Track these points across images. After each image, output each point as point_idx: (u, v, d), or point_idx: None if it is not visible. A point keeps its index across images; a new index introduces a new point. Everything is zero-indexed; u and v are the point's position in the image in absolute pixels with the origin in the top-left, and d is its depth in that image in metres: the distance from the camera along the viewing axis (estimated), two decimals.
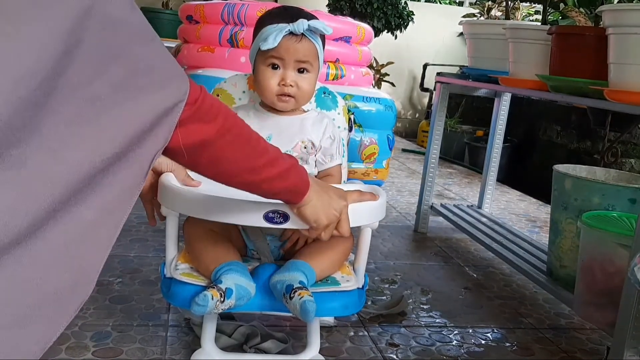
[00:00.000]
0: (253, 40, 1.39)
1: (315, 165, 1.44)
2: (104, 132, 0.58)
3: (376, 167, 3.13)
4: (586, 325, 1.84)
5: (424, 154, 3.44)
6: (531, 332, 1.76)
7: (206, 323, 1.31)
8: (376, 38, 4.28)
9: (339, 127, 1.51)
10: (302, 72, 1.36)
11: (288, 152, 1.38)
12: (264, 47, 1.30)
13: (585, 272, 1.59)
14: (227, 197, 1.20)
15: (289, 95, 1.36)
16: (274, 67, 1.35)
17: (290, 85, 1.34)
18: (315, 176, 1.44)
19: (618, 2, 2.21)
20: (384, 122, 3.13)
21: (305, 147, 1.40)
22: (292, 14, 1.34)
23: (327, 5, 5.15)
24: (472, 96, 3.64)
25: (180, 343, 1.48)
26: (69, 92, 0.55)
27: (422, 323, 1.74)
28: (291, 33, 1.31)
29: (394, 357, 1.53)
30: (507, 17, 2.91)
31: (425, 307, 1.86)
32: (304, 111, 1.45)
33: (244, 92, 1.54)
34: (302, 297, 1.15)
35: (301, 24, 1.30)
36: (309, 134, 1.40)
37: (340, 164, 1.48)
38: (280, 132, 1.40)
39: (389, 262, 2.23)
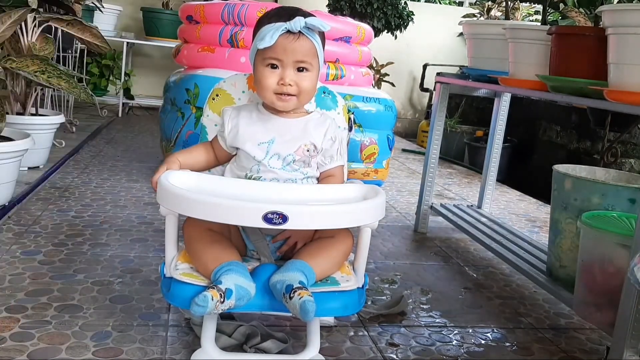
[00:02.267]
0: (252, 42, 1.39)
1: (317, 167, 1.43)
2: None
3: (376, 167, 3.13)
4: (586, 325, 1.84)
5: (424, 154, 3.44)
6: (531, 332, 1.77)
7: (206, 323, 1.31)
8: (376, 38, 4.28)
9: (339, 127, 1.51)
10: (302, 71, 1.35)
11: (290, 156, 1.38)
12: (261, 46, 1.30)
13: (584, 272, 1.59)
14: (226, 197, 1.20)
15: (289, 95, 1.35)
16: (273, 66, 1.35)
17: (290, 84, 1.34)
18: (317, 178, 1.44)
19: (618, 2, 2.21)
20: (384, 122, 3.13)
21: (308, 150, 1.39)
22: (289, 13, 1.34)
23: (327, 5, 5.16)
24: (472, 96, 3.64)
25: (181, 343, 1.48)
26: None
27: (422, 323, 1.75)
28: (288, 31, 1.31)
29: (394, 357, 1.53)
30: (507, 17, 2.91)
31: (425, 307, 1.86)
32: (307, 112, 1.44)
33: (243, 92, 1.54)
34: (301, 297, 1.15)
35: (298, 22, 1.30)
36: (311, 136, 1.39)
37: (343, 165, 1.47)
38: (284, 135, 1.39)
39: (388, 262, 2.23)
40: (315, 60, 1.36)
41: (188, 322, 1.57)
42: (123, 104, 5.37)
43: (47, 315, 1.54)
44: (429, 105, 6.18)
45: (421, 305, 1.87)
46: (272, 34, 1.29)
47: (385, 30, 5.10)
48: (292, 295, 1.16)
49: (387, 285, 2.00)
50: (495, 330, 1.75)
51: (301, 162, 1.39)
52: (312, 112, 1.45)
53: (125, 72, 5.42)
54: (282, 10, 1.38)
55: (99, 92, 5.51)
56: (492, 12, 5.75)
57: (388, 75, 5.95)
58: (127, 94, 5.51)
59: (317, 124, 1.42)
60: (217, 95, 1.54)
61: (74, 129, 4.14)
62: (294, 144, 1.38)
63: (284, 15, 1.34)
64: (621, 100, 1.54)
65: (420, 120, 6.43)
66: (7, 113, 2.75)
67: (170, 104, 3.01)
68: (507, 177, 4.32)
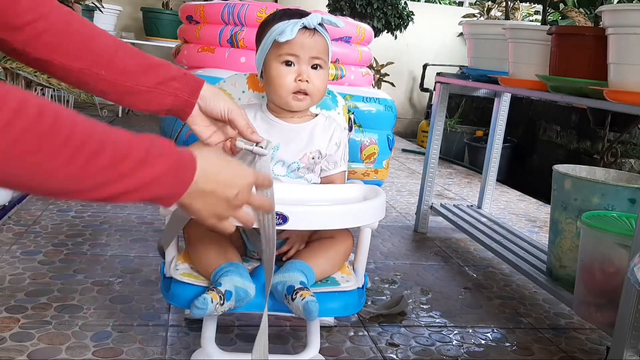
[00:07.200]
0: (258, 45, 1.38)
1: (320, 173, 1.42)
2: None
3: (376, 167, 3.13)
4: (586, 325, 1.84)
5: (424, 154, 3.44)
6: (531, 332, 1.77)
7: (206, 323, 1.31)
8: (376, 38, 4.28)
9: (345, 129, 1.50)
10: (316, 68, 1.34)
11: (295, 164, 1.37)
12: (282, 39, 1.28)
13: (584, 272, 1.59)
14: None
15: (304, 94, 1.34)
16: (288, 63, 1.34)
17: (307, 80, 1.33)
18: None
19: (618, 2, 2.21)
20: (384, 122, 3.13)
21: (313, 158, 1.37)
22: (300, 13, 1.34)
23: (327, 6, 5.16)
24: (472, 96, 3.64)
25: (181, 343, 1.48)
26: None
27: (422, 323, 1.75)
28: (305, 28, 1.31)
29: (394, 357, 1.53)
30: (507, 17, 2.90)
31: (425, 307, 1.86)
32: (313, 115, 1.43)
33: (243, 92, 1.53)
34: (304, 297, 1.15)
35: (314, 18, 1.30)
36: (317, 143, 1.38)
37: (345, 171, 1.45)
38: (289, 142, 1.37)
39: (389, 262, 2.23)
40: (327, 58, 1.36)
41: (188, 322, 1.57)
42: None
43: (47, 315, 1.54)
44: (429, 105, 6.18)
45: (421, 305, 1.87)
46: (291, 27, 1.28)
47: (385, 30, 5.10)
48: (294, 296, 1.16)
49: (387, 285, 2.00)
50: (495, 330, 1.75)
51: (305, 169, 1.38)
52: (317, 114, 1.44)
53: None
54: (290, 11, 1.37)
55: None
56: (492, 12, 5.75)
57: (388, 75, 5.95)
58: None
59: (323, 129, 1.39)
60: None
61: None
62: (300, 151, 1.37)
63: (294, 14, 1.33)
64: (621, 100, 1.54)
65: (420, 120, 6.42)
66: None
67: None
68: (507, 177, 4.32)
